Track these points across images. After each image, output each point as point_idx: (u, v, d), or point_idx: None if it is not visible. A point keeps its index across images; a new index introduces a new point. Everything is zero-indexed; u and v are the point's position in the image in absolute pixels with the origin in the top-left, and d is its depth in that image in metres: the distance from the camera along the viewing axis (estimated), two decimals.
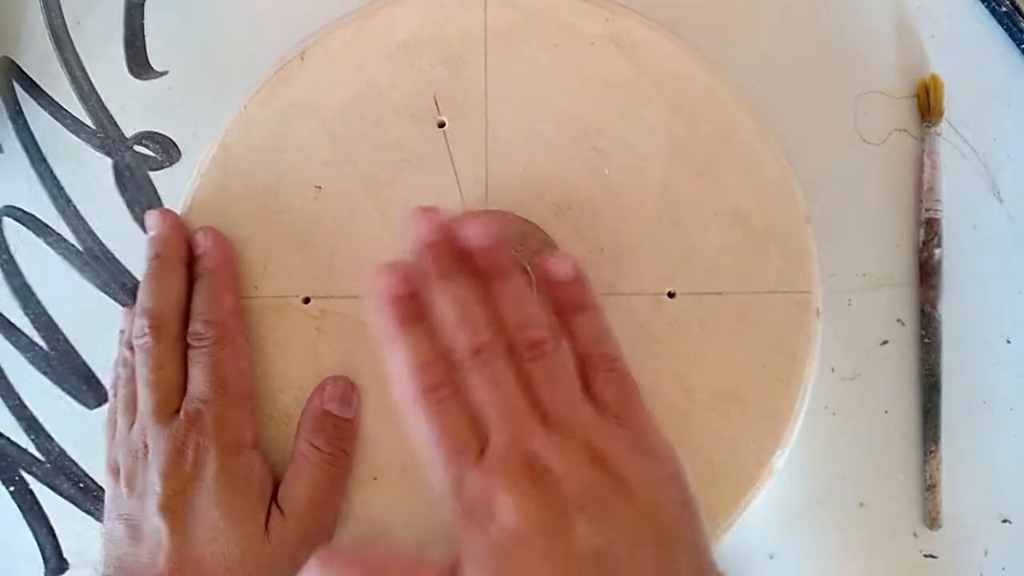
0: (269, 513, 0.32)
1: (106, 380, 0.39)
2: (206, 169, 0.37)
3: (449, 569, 0.27)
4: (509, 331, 0.29)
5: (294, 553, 0.32)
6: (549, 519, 0.26)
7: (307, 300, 0.36)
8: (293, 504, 0.33)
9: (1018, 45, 0.40)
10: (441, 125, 0.37)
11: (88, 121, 0.41)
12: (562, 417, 0.28)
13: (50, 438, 0.40)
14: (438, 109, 0.37)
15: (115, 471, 0.34)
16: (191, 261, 0.36)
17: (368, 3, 0.38)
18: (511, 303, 0.30)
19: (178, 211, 0.37)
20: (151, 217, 0.37)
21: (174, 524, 0.31)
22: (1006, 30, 0.40)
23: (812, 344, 0.36)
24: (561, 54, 0.37)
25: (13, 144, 0.41)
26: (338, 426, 0.34)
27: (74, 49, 0.42)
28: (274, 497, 0.33)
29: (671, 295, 0.36)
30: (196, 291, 0.35)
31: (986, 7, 0.41)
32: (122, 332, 0.37)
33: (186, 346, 0.34)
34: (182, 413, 0.33)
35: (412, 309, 0.29)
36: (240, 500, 0.32)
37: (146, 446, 0.33)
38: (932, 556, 0.37)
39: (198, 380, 0.33)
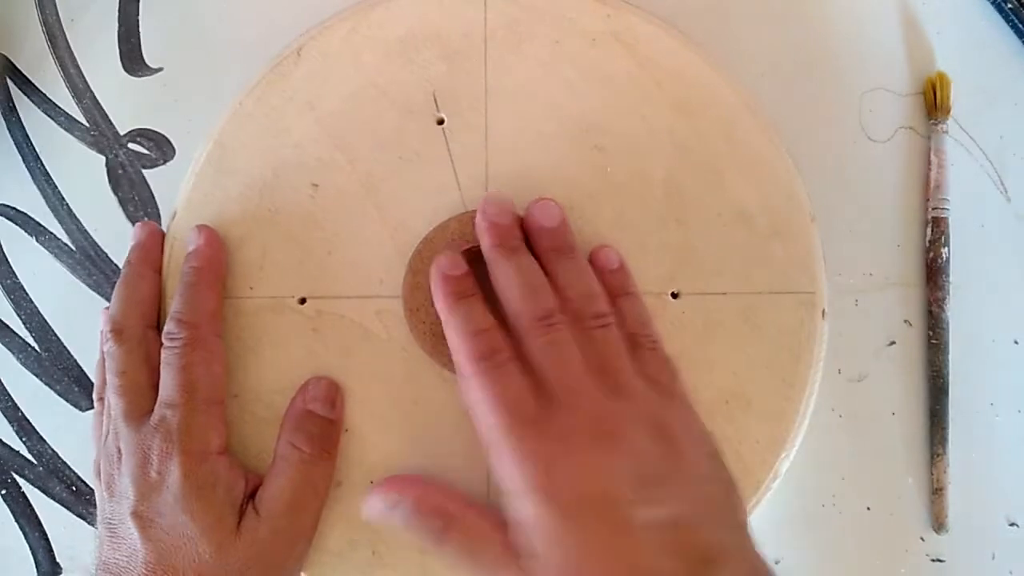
0: (244, 514, 0.32)
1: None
2: (201, 167, 0.37)
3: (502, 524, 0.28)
4: (573, 301, 0.31)
5: (267, 554, 0.31)
6: (616, 487, 0.27)
7: (303, 301, 0.36)
8: (269, 505, 0.32)
9: None
10: (440, 122, 0.37)
11: (82, 118, 0.41)
12: (623, 385, 0.29)
13: (42, 440, 0.39)
14: (437, 106, 0.37)
15: (98, 474, 0.34)
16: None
17: None
18: (576, 276, 0.32)
19: (172, 210, 0.37)
20: (135, 229, 0.37)
21: (145, 530, 0.31)
22: (1012, 27, 0.40)
23: (818, 345, 0.35)
24: (562, 51, 0.37)
25: (6, 141, 0.41)
26: (320, 426, 0.34)
27: (68, 46, 0.41)
28: (253, 497, 0.33)
29: (675, 295, 0.35)
30: (177, 290, 0.35)
31: (992, 4, 0.40)
32: (102, 333, 0.36)
33: (160, 348, 0.34)
34: (151, 418, 0.33)
35: (467, 285, 0.32)
36: (206, 507, 0.31)
37: (119, 450, 0.33)
38: (939, 560, 0.37)
39: (166, 383, 0.33)
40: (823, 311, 0.35)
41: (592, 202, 0.36)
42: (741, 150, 0.36)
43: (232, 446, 0.34)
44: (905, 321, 0.38)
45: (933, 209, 0.38)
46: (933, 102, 0.39)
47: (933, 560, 0.37)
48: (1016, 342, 0.38)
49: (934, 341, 0.38)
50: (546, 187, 0.36)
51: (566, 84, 0.37)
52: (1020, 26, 0.40)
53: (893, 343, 0.38)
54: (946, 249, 0.38)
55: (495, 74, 0.37)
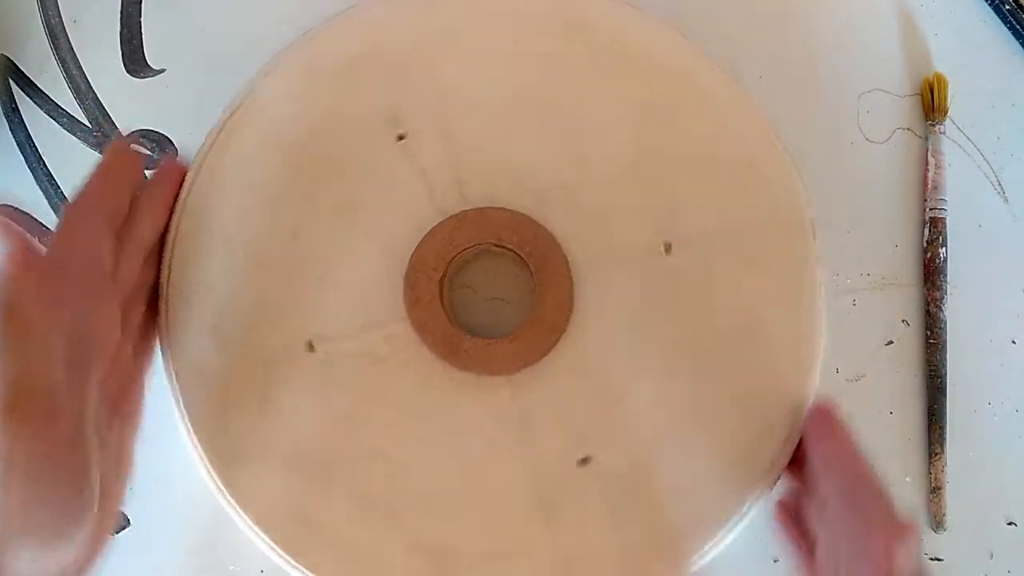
0: None
1: None
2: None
3: None
4: None
5: None
6: None
7: (311, 346, 0.34)
8: None
9: (1022, 43, 0.40)
10: (401, 138, 0.36)
11: (84, 119, 0.41)
12: None
13: None
14: (397, 122, 0.36)
15: None
16: None
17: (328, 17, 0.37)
18: None
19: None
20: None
21: None
22: (1009, 28, 0.40)
23: (814, 266, 0.34)
24: (512, 40, 0.36)
25: (8, 142, 0.41)
26: None
27: (71, 47, 0.41)
28: None
29: (667, 248, 0.35)
30: None
31: (989, 5, 0.40)
32: None
33: None
34: None
35: None
36: None
37: None
38: (937, 559, 0.37)
39: None
40: (813, 233, 0.34)
41: (569, 181, 0.35)
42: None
43: None
44: (903, 321, 0.38)
45: (931, 209, 0.38)
46: (930, 103, 0.39)
47: (931, 559, 0.37)
48: (1014, 342, 0.38)
49: (932, 341, 0.38)
50: (521, 178, 0.35)
51: (522, 72, 0.36)
52: (1017, 27, 0.40)
53: (891, 343, 0.38)
54: (944, 249, 0.38)
55: (450, 77, 0.36)
